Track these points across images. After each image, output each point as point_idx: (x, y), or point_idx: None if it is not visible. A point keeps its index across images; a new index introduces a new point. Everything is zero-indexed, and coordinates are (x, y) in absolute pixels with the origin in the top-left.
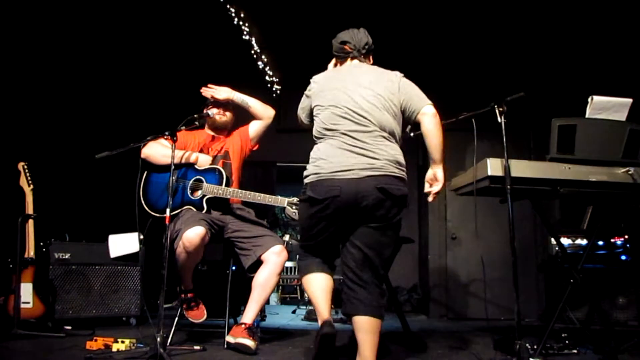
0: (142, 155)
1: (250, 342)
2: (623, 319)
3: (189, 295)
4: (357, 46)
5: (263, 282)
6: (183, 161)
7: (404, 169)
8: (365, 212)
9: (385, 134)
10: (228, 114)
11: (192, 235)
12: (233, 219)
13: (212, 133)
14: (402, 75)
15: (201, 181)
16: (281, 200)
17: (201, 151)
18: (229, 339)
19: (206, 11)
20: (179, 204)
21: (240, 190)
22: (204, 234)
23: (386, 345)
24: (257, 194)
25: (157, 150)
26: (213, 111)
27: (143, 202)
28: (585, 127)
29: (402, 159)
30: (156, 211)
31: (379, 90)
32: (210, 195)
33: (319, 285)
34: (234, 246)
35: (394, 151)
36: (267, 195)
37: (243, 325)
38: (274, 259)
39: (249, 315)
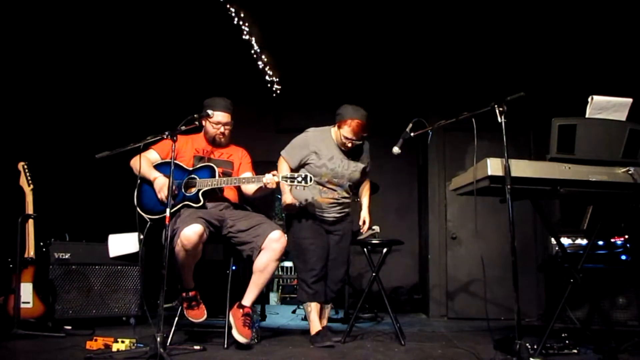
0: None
1: (242, 339)
2: (623, 319)
3: (191, 294)
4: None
5: (262, 267)
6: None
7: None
8: None
9: None
10: (227, 133)
11: (190, 233)
12: (231, 212)
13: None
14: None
15: (194, 178)
16: (276, 177)
17: (197, 153)
18: (231, 319)
19: (206, 11)
20: (175, 202)
21: (232, 177)
22: (202, 232)
23: (386, 345)
24: (251, 176)
25: (134, 164)
26: (210, 112)
27: (140, 209)
28: (585, 127)
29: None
30: (154, 214)
31: None
32: (206, 188)
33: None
34: (235, 243)
35: None
36: (261, 176)
37: (242, 310)
38: (273, 246)
39: (248, 297)
